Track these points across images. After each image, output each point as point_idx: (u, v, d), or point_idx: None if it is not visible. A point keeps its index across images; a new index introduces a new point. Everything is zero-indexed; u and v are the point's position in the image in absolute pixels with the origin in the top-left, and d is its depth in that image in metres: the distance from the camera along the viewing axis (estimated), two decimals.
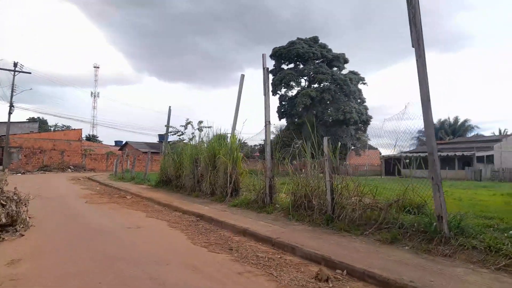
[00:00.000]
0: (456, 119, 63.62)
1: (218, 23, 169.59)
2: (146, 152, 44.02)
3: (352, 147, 35.85)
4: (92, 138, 73.06)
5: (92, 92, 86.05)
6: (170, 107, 16.35)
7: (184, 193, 12.21)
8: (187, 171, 12.47)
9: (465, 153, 35.34)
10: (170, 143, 16.21)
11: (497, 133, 58.21)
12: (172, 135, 14.97)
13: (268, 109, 8.69)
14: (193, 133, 14.51)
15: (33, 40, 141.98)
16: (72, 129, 46.83)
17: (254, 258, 4.69)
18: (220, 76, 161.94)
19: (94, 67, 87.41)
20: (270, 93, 8.62)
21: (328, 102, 32.37)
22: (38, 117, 65.02)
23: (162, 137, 51.81)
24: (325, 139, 6.66)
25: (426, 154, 4.92)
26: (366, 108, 33.96)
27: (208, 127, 13.96)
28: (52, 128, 60.47)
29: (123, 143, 56.62)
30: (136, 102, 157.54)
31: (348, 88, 32.28)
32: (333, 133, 30.73)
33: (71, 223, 7.17)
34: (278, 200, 8.36)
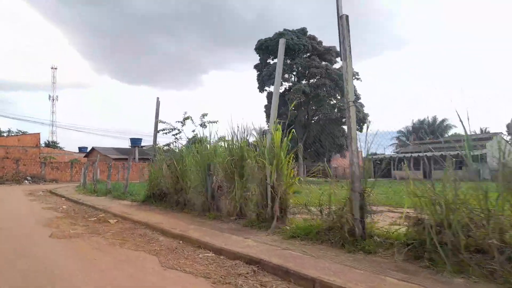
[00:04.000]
0: (435, 119, 63.51)
1: (180, 24, 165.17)
2: (118, 159, 39.56)
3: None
4: (52, 145, 66.69)
5: (50, 96, 79.55)
6: (158, 98, 12.90)
7: (192, 214, 8.78)
8: (194, 182, 9.07)
9: (459, 153, 33.83)
10: (160, 146, 12.70)
11: (478, 131, 58.39)
12: (166, 133, 11.50)
13: (351, 81, 5.58)
14: (194, 131, 11.22)
15: None
16: (28, 134, 41.28)
17: None
18: (184, 78, 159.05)
19: (52, 68, 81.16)
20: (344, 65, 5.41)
21: (321, 99, 29.64)
22: None
23: (134, 141, 47.20)
24: None
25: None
26: (362, 106, 31.53)
27: (214, 122, 10.89)
28: (5, 134, 53.88)
29: (89, 149, 51.34)
30: (98, 106, 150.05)
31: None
32: (329, 133, 28.06)
33: None
34: (374, 229, 5.24)
